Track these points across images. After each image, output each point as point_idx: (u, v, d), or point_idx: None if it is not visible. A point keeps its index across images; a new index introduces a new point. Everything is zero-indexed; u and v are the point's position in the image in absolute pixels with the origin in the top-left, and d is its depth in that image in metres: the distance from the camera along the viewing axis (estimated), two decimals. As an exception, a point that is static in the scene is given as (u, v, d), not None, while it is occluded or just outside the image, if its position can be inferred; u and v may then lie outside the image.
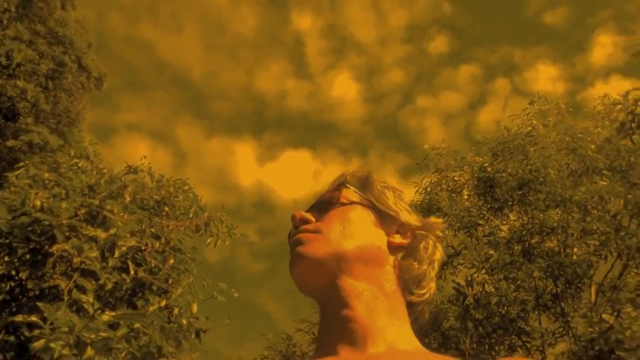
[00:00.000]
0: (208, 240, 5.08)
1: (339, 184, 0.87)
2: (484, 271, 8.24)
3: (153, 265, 3.72)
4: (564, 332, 7.98)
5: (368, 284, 0.78)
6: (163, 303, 3.05)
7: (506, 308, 7.65)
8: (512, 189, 8.28)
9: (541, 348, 7.92)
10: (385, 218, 0.84)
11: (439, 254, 0.84)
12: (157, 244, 3.82)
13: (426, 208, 8.76)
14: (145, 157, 4.33)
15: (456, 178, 9.12)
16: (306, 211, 0.86)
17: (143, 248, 3.54)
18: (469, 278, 8.12)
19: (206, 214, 4.45)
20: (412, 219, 0.85)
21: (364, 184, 0.87)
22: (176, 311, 3.19)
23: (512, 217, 8.73)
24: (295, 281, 0.82)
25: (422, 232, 0.84)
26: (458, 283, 8.12)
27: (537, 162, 8.33)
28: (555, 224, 7.60)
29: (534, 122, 9.23)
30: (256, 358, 7.91)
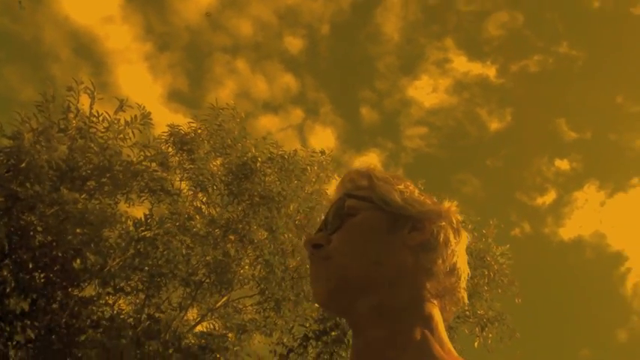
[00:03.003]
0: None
1: (342, 196, 0.82)
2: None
3: None
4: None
5: (391, 300, 0.73)
6: None
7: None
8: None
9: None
10: (397, 218, 0.78)
11: (463, 239, 0.81)
12: None
13: (181, 141, 8.91)
14: None
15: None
16: (318, 231, 0.82)
17: None
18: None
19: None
20: (425, 209, 0.79)
21: (366, 186, 0.82)
22: None
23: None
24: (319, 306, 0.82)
25: (439, 223, 0.78)
26: None
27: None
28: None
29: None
30: None
